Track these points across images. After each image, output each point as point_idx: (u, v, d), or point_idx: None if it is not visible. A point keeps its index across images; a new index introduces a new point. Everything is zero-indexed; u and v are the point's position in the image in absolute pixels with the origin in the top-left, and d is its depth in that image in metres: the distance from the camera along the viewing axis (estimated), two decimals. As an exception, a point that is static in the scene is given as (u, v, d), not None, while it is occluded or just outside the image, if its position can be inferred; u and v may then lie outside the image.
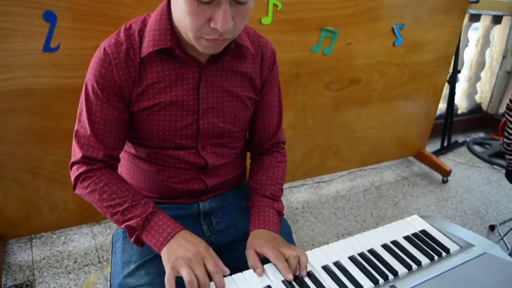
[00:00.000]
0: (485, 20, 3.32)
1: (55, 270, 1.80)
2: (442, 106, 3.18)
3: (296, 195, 2.51)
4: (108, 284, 1.74)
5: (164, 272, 0.92)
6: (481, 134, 3.62)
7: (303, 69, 2.09)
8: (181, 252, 0.84)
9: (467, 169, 3.03)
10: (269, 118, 1.11)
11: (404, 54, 2.40)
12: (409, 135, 2.80)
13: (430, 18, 2.37)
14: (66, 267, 1.82)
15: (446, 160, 3.03)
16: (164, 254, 0.86)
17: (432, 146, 3.23)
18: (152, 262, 0.96)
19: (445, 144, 3.24)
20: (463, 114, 3.65)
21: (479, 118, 3.71)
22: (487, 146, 3.37)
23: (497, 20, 3.37)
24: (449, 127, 3.18)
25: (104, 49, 0.90)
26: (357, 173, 2.82)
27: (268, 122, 1.11)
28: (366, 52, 2.25)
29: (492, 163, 3.10)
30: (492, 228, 2.34)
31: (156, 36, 0.89)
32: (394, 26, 2.25)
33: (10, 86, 1.54)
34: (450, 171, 2.78)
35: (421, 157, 2.95)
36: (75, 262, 1.86)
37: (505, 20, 3.40)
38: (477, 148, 3.34)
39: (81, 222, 1.96)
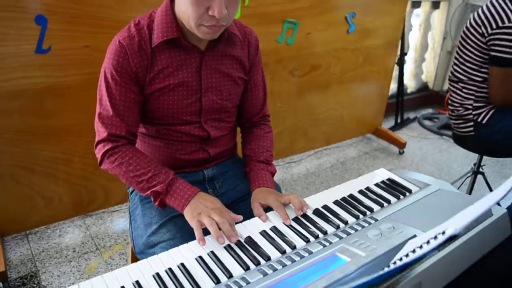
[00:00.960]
0: (425, 6, 3.65)
1: (56, 260, 1.92)
2: (393, 87, 3.48)
3: (270, 176, 2.71)
4: (109, 267, 1.88)
5: (182, 229, 1.11)
6: (430, 110, 3.96)
7: (270, 58, 2.30)
8: (201, 207, 1.02)
9: (419, 141, 3.35)
10: (256, 95, 1.31)
11: (357, 40, 2.65)
12: (366, 113, 3.07)
13: (377, 6, 2.64)
14: (66, 256, 1.94)
15: (401, 135, 3.33)
16: (187, 212, 1.04)
17: (388, 123, 3.53)
18: (171, 221, 1.13)
19: (399, 120, 3.55)
20: (412, 93, 3.98)
21: (427, 96, 4.06)
22: (436, 120, 3.71)
23: (435, 5, 3.72)
24: (401, 105, 3.49)
25: (119, 41, 1.07)
26: (323, 152, 3.06)
27: (256, 98, 1.31)
28: (324, 40, 2.48)
29: (441, 134, 3.44)
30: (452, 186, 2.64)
31: (164, 28, 1.07)
32: (347, 15, 2.50)
33: (4, 87, 1.65)
34: (405, 143, 3.08)
35: (379, 133, 3.24)
36: (74, 251, 1.98)
37: (442, 5, 3.75)
38: (427, 122, 3.67)
39: (75, 213, 2.07)
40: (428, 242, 0.56)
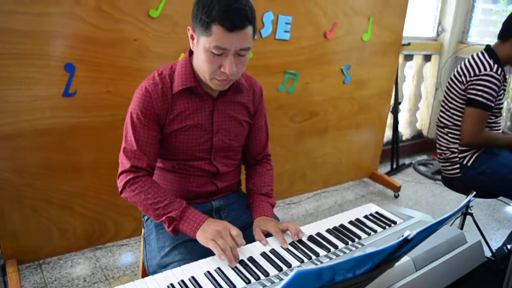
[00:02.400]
0: (417, 59, 3.92)
1: (68, 288, 2.04)
2: (389, 134, 3.69)
3: (270, 215, 2.85)
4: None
5: (192, 251, 1.26)
6: (424, 156, 4.14)
7: (271, 105, 2.50)
8: (211, 231, 1.17)
9: (414, 186, 3.50)
10: (259, 137, 1.50)
11: (353, 90, 2.87)
12: (362, 158, 3.25)
13: (371, 59, 2.88)
14: (77, 286, 2.06)
15: (396, 179, 3.48)
16: (199, 236, 1.19)
17: (384, 168, 3.70)
18: (182, 245, 1.28)
19: (394, 166, 3.72)
20: (407, 140, 4.18)
21: (421, 143, 4.25)
22: (430, 166, 3.88)
23: (427, 58, 3.99)
24: (396, 151, 3.68)
25: (145, 88, 1.26)
26: (322, 194, 3.21)
27: (259, 139, 1.50)
28: (322, 90, 2.70)
29: (434, 179, 3.60)
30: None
31: (183, 78, 1.27)
32: (342, 67, 2.73)
33: (34, 126, 1.84)
34: (400, 187, 3.23)
35: (375, 177, 3.40)
36: (85, 281, 2.10)
37: (434, 58, 4.02)
38: (421, 168, 3.84)
39: (87, 245, 2.20)
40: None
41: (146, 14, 1.91)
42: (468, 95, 2.03)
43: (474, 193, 1.09)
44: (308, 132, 2.78)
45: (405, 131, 4.17)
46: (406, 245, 0.73)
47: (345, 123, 2.97)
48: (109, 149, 1.98)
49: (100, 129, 1.97)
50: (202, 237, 1.18)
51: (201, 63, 1.21)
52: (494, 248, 2.45)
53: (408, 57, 3.79)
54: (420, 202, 3.22)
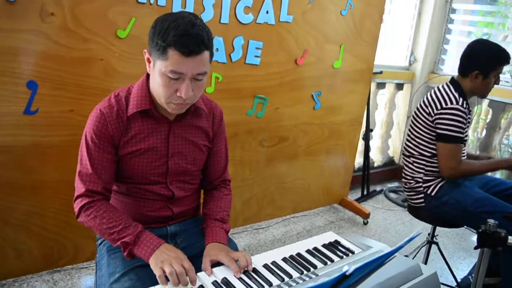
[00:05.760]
0: (389, 87, 3.99)
1: (20, 313, 1.96)
2: (360, 160, 3.72)
3: (237, 240, 2.82)
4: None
5: (142, 278, 1.23)
6: (395, 183, 4.18)
7: (240, 129, 2.50)
8: (164, 257, 1.15)
9: (384, 213, 3.52)
10: (218, 161, 1.48)
11: (323, 116, 2.90)
12: (332, 184, 3.26)
13: (342, 86, 2.91)
14: (30, 310, 1.98)
15: (366, 206, 3.50)
16: (152, 261, 1.17)
17: (354, 195, 3.71)
18: (133, 271, 1.25)
19: (365, 192, 3.74)
20: (379, 166, 4.21)
21: (393, 170, 4.29)
22: (400, 193, 3.92)
23: (399, 87, 4.06)
24: (367, 178, 3.70)
25: (100, 110, 1.25)
26: (291, 220, 3.20)
27: (218, 163, 1.48)
28: (292, 115, 2.72)
29: (404, 207, 3.62)
30: (406, 257, 2.77)
31: (138, 100, 1.26)
32: (313, 93, 2.76)
33: (-9, 143, 1.79)
34: (369, 214, 3.24)
35: (344, 203, 3.40)
36: (39, 305, 2.02)
37: (406, 87, 4.10)
38: (392, 195, 3.87)
39: (44, 267, 2.12)
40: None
41: (114, 34, 1.90)
42: (437, 130, 2.06)
43: (420, 231, 1.09)
44: (277, 157, 2.78)
45: (377, 157, 4.22)
46: (345, 280, 0.72)
47: (315, 149, 2.98)
48: (70, 168, 1.89)
49: (62, 148, 1.92)
50: (153, 263, 1.16)
51: (157, 87, 1.20)
52: (459, 278, 2.46)
53: (381, 85, 3.85)
54: (389, 229, 3.23)
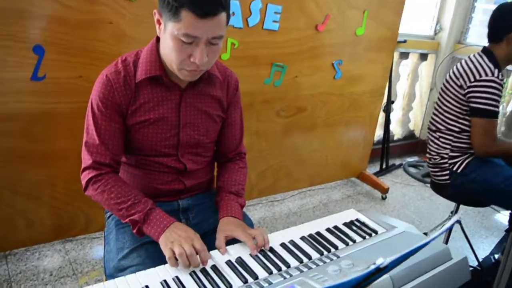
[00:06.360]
0: (413, 57, 3.81)
1: (32, 282, 1.93)
2: (380, 133, 3.59)
3: (252, 212, 2.75)
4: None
5: (152, 255, 1.16)
6: (415, 158, 4.05)
7: (256, 99, 2.39)
8: (174, 237, 1.07)
9: (403, 188, 3.41)
10: (233, 133, 1.38)
11: (343, 86, 2.76)
12: (351, 157, 3.15)
13: (364, 55, 2.76)
14: (42, 279, 1.95)
15: (385, 180, 3.39)
16: (161, 241, 1.09)
17: (373, 168, 3.60)
18: (142, 247, 1.18)
19: (384, 166, 3.63)
20: (399, 139, 4.08)
21: (413, 144, 4.16)
22: (420, 168, 3.79)
23: (423, 57, 3.88)
24: (387, 151, 3.58)
25: (106, 76, 1.15)
26: (307, 193, 3.12)
27: (232, 135, 1.38)
28: (311, 84, 2.59)
29: (424, 182, 3.51)
30: (425, 235, 2.68)
31: (148, 66, 1.15)
32: (334, 62, 2.62)
33: (-2, 110, 1.72)
34: (388, 188, 3.14)
35: (363, 177, 3.30)
36: (51, 275, 1.99)
37: (430, 57, 3.92)
38: (411, 170, 3.75)
39: (55, 237, 2.09)
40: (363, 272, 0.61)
41: (124, -5, 1.79)
42: (471, 105, 1.91)
43: (459, 219, 0.98)
44: (295, 128, 2.67)
45: (397, 130, 4.08)
46: (378, 273, 0.63)
47: (334, 120, 2.86)
48: (80, 137, 1.79)
49: (71, 116, 1.84)
50: (163, 243, 1.08)
51: (168, 51, 1.09)
52: (481, 257, 2.36)
53: (404, 55, 3.68)
54: (408, 205, 3.13)
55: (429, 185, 3.42)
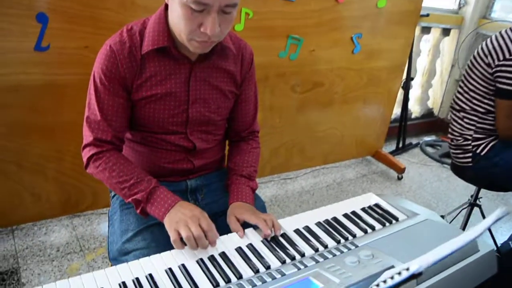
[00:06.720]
0: (435, 33, 3.64)
1: (39, 258, 1.90)
2: (397, 111, 3.46)
3: (264, 190, 2.69)
4: (91, 270, 1.85)
5: (157, 238, 1.09)
6: (433, 137, 3.93)
7: (271, 72, 2.28)
8: (180, 217, 1.00)
9: (420, 168, 3.31)
10: (246, 110, 1.29)
11: (362, 61, 2.64)
12: (367, 135, 3.04)
13: (385, 29, 2.62)
14: (49, 255, 1.92)
15: (401, 160, 3.29)
16: (166, 221, 1.02)
17: (389, 147, 3.50)
18: (147, 230, 1.11)
19: (400, 145, 3.52)
20: (416, 118, 3.95)
21: (431, 122, 4.02)
22: (438, 148, 3.67)
23: (446, 32, 3.70)
24: (404, 129, 3.46)
25: (110, 46, 1.06)
26: (320, 171, 3.03)
27: (246, 113, 1.29)
28: (328, 58, 2.47)
29: (442, 162, 3.40)
30: (441, 218, 2.59)
31: (155, 36, 1.06)
32: (353, 35, 2.49)
33: (2, 81, 1.64)
34: (404, 168, 3.04)
35: (378, 156, 3.20)
36: (58, 250, 1.96)
37: (453, 32, 3.74)
38: (429, 149, 3.63)
39: (63, 213, 2.05)
40: (392, 277, 0.53)
41: (132, -40, 1.68)
42: (498, 85, 1.78)
43: (507, 212, 0.89)
44: (310, 104, 2.57)
45: (415, 108, 3.94)
46: (411, 280, 0.55)
47: (352, 96, 2.74)
48: None
49: (77, 88, 1.76)
50: (168, 224, 1.01)
51: (177, 20, 0.99)
52: (499, 242, 2.28)
53: (425, 30, 3.50)
54: (425, 186, 3.03)
55: (447, 166, 3.33)
